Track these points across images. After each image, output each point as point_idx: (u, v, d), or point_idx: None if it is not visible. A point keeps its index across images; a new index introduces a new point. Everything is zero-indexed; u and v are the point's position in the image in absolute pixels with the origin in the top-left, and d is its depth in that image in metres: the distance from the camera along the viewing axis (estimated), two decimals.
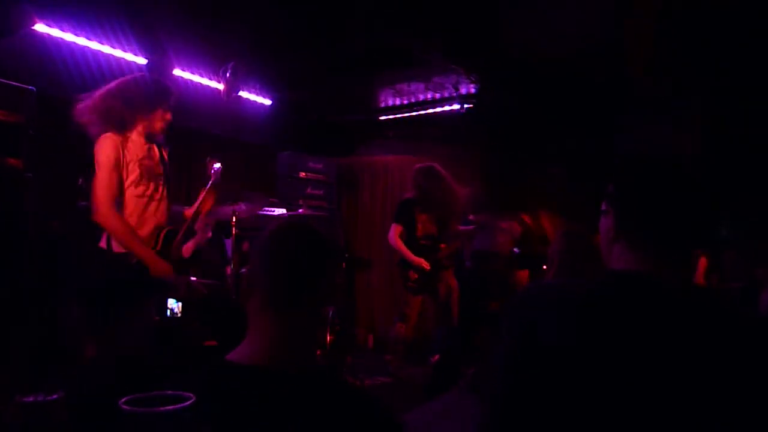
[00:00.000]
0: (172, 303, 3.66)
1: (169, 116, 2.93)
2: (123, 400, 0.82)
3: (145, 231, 2.81)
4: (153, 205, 2.87)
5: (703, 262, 4.87)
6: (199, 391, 0.87)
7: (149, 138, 2.87)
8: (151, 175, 2.84)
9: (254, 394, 1.10)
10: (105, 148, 2.67)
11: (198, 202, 3.12)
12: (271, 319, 1.20)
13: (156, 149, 2.93)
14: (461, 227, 4.92)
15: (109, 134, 2.69)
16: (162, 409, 0.82)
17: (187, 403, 0.84)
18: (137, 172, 2.76)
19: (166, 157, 3.00)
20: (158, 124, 2.88)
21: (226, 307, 3.75)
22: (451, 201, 4.53)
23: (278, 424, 1.07)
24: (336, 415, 1.11)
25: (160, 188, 2.90)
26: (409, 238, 4.55)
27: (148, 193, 2.83)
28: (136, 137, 2.80)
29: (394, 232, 4.58)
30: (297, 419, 1.07)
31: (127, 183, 2.74)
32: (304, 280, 1.20)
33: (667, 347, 0.96)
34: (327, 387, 1.17)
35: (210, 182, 3.14)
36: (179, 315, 3.52)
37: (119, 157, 2.69)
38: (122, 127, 2.73)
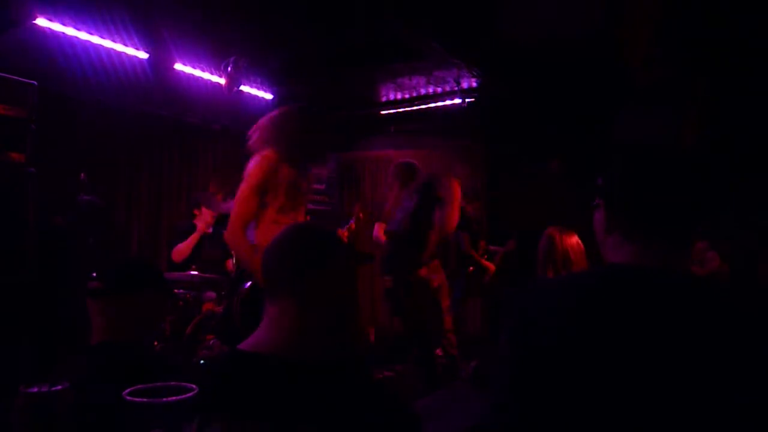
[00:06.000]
0: None
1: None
2: (127, 391, 0.83)
3: None
4: None
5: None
6: (212, 380, 0.87)
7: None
8: (298, 202, 2.70)
9: (267, 383, 1.11)
10: (258, 168, 2.56)
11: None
12: (275, 309, 1.22)
13: (305, 176, 2.78)
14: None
15: (266, 154, 2.58)
16: (165, 399, 0.83)
17: (190, 394, 0.85)
18: (283, 198, 2.61)
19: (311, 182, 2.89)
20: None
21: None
22: None
23: (291, 413, 1.07)
24: (352, 408, 1.11)
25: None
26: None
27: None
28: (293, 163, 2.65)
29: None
30: (309, 409, 1.07)
31: (272, 207, 2.60)
32: (296, 270, 1.23)
33: (665, 338, 0.96)
34: (344, 379, 1.17)
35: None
36: None
37: (266, 182, 2.57)
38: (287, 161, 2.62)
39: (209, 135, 5.83)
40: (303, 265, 1.24)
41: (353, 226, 3.60)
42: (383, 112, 6.39)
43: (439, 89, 5.74)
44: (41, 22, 4.01)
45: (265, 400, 1.08)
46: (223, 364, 1.24)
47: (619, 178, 1.10)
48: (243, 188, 2.58)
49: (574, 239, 2.82)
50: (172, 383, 0.86)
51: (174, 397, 0.84)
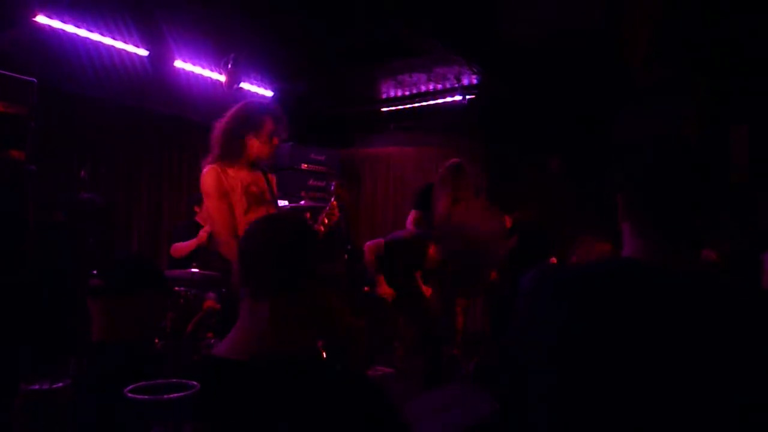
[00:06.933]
0: None
1: (273, 141, 2.92)
2: (128, 388, 0.84)
3: None
4: None
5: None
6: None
7: (253, 165, 2.84)
8: (260, 202, 2.78)
9: (244, 388, 1.08)
10: (207, 179, 2.70)
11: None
12: (252, 310, 1.19)
13: (262, 176, 2.88)
14: None
15: (208, 167, 2.73)
16: (166, 396, 0.83)
17: (192, 390, 0.85)
18: (244, 201, 2.72)
19: (273, 183, 2.96)
20: (256, 150, 2.84)
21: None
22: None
23: (270, 415, 1.06)
24: (331, 405, 1.09)
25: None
26: (428, 226, 4.49)
27: None
28: (238, 166, 2.78)
29: (411, 218, 4.49)
30: (288, 410, 1.06)
31: (237, 213, 2.70)
32: (275, 269, 1.19)
33: (666, 338, 0.96)
34: (322, 376, 1.15)
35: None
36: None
37: (223, 186, 2.69)
38: (229, 157, 2.76)
39: (209, 132, 5.81)
40: (279, 262, 1.20)
41: (335, 203, 3.50)
42: (384, 109, 6.39)
43: (439, 86, 5.74)
44: (41, 19, 4.00)
45: (243, 403, 1.06)
46: (202, 370, 1.20)
47: (635, 172, 1.12)
48: (207, 204, 2.73)
49: (607, 247, 2.84)
50: (173, 380, 0.87)
51: (175, 394, 0.84)
